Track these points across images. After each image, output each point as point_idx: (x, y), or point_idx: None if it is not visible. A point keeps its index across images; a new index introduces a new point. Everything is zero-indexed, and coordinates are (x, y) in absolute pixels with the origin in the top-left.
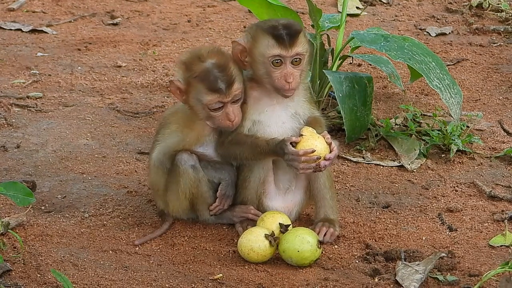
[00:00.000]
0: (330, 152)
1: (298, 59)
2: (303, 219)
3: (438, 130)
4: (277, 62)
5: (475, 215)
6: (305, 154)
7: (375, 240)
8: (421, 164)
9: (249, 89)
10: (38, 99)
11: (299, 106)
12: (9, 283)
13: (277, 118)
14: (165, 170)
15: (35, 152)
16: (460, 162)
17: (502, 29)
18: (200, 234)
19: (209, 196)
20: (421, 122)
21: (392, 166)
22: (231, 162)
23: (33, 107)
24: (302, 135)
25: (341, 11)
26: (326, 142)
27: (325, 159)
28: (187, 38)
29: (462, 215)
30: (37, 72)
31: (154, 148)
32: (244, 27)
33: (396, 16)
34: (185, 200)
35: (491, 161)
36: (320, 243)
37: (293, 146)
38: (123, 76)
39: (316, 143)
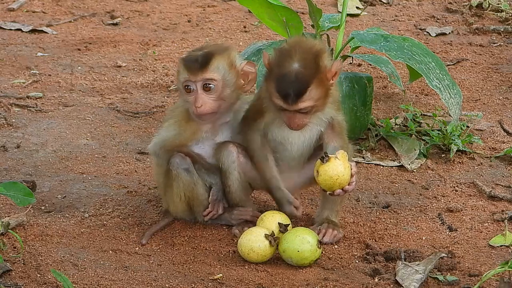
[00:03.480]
0: (349, 184)
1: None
2: (303, 219)
3: (438, 130)
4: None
5: (475, 215)
6: (297, 211)
7: (375, 240)
8: (421, 164)
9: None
10: (38, 99)
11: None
12: (9, 283)
13: None
14: (160, 162)
15: (35, 152)
16: (460, 162)
17: (502, 29)
18: (200, 234)
19: (205, 198)
20: (421, 122)
21: (392, 166)
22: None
23: (33, 107)
24: (336, 157)
25: (341, 11)
26: (351, 173)
27: (342, 188)
28: (187, 38)
29: (462, 215)
30: (37, 72)
31: (151, 140)
32: (244, 27)
33: (396, 16)
34: (181, 203)
35: (491, 161)
36: (320, 243)
37: (321, 161)
38: (123, 76)
39: (340, 169)
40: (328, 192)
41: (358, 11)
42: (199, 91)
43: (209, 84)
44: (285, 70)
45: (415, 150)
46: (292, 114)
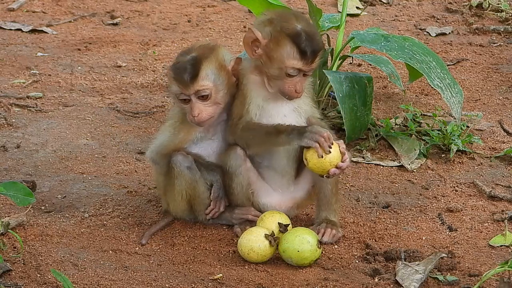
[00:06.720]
0: (343, 161)
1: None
2: (303, 219)
3: (438, 130)
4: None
5: (475, 215)
6: (328, 137)
7: (375, 240)
8: (421, 164)
9: (250, 72)
10: (38, 99)
11: (302, 101)
12: (9, 283)
13: (278, 109)
14: (159, 168)
15: (35, 152)
16: (460, 162)
17: (502, 29)
18: (200, 234)
19: (206, 197)
20: (421, 122)
21: (392, 166)
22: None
23: (33, 107)
24: None
25: (341, 11)
26: (340, 151)
27: (336, 167)
28: (187, 38)
29: (462, 215)
30: (37, 72)
31: (149, 146)
32: (244, 27)
33: (396, 16)
34: (182, 202)
35: (491, 161)
36: (320, 243)
37: (306, 148)
38: (123, 76)
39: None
40: (324, 176)
41: (358, 11)
42: (194, 100)
43: (203, 93)
44: (302, 29)
45: (415, 150)
46: (300, 78)
